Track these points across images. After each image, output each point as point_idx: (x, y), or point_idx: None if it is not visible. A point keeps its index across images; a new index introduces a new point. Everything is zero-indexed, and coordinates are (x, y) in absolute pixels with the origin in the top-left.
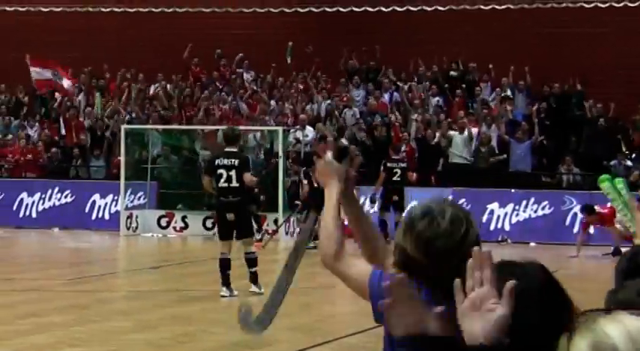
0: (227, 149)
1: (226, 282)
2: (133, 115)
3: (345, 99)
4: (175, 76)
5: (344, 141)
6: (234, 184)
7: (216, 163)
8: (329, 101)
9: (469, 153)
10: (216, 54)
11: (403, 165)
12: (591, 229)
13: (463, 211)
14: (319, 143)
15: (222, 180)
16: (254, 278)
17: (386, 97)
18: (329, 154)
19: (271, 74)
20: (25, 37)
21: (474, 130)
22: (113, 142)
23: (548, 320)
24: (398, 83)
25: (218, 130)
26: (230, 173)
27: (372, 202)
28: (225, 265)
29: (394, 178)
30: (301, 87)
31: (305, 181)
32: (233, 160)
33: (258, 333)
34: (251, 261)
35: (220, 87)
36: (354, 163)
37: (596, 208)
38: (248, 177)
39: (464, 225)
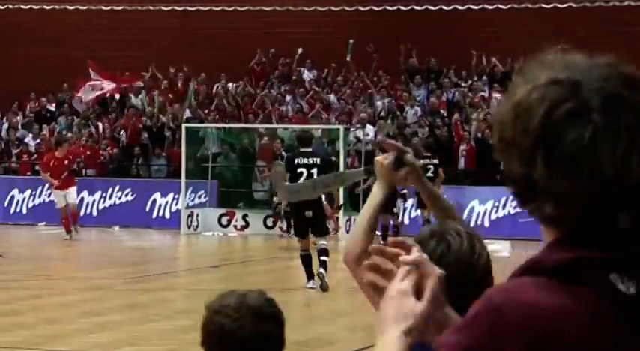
0: (303, 150)
1: (311, 275)
2: (188, 114)
3: (404, 98)
4: (237, 75)
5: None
6: None
7: (296, 162)
8: (389, 100)
9: None
10: (270, 54)
11: (435, 161)
12: None
13: (471, 231)
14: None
15: (302, 179)
16: (324, 265)
17: (447, 96)
18: (390, 158)
19: (331, 73)
20: (86, 36)
21: None
22: (173, 140)
23: None
24: (459, 82)
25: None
26: (311, 171)
27: (404, 198)
28: (308, 260)
29: (427, 175)
30: (362, 85)
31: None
32: (314, 159)
33: (281, 195)
34: (323, 251)
35: (280, 86)
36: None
37: None
38: None
39: (475, 242)
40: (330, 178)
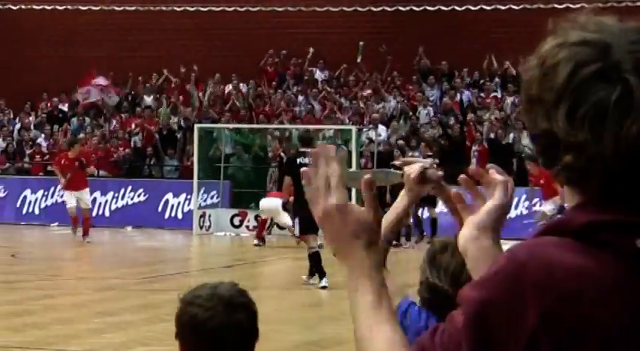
0: (303, 149)
1: (323, 273)
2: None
3: (417, 98)
4: (249, 75)
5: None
6: None
7: (298, 162)
8: (401, 100)
9: None
10: (281, 55)
11: (436, 160)
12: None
13: None
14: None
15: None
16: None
17: (460, 96)
18: (415, 171)
19: (343, 73)
20: (98, 37)
21: None
22: (184, 141)
23: None
24: (472, 83)
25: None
26: None
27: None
28: (317, 258)
29: None
30: (374, 85)
31: None
32: None
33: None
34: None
35: (292, 87)
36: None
37: None
38: None
39: None
40: (381, 172)
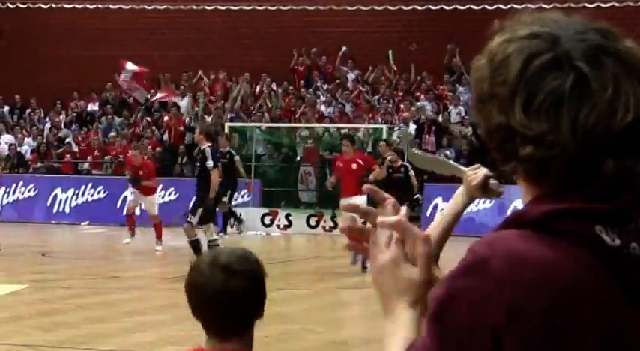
0: (213, 145)
1: None
2: (233, 114)
3: (448, 97)
4: (279, 74)
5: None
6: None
7: (218, 155)
8: (431, 102)
9: None
10: (311, 53)
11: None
12: None
13: None
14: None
15: (221, 172)
16: None
17: None
18: (479, 176)
19: (374, 73)
20: (129, 36)
21: None
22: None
23: None
24: None
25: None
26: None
27: None
28: (200, 248)
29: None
30: (404, 85)
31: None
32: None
33: (412, 160)
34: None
35: (322, 86)
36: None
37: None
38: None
39: None
40: (443, 161)
